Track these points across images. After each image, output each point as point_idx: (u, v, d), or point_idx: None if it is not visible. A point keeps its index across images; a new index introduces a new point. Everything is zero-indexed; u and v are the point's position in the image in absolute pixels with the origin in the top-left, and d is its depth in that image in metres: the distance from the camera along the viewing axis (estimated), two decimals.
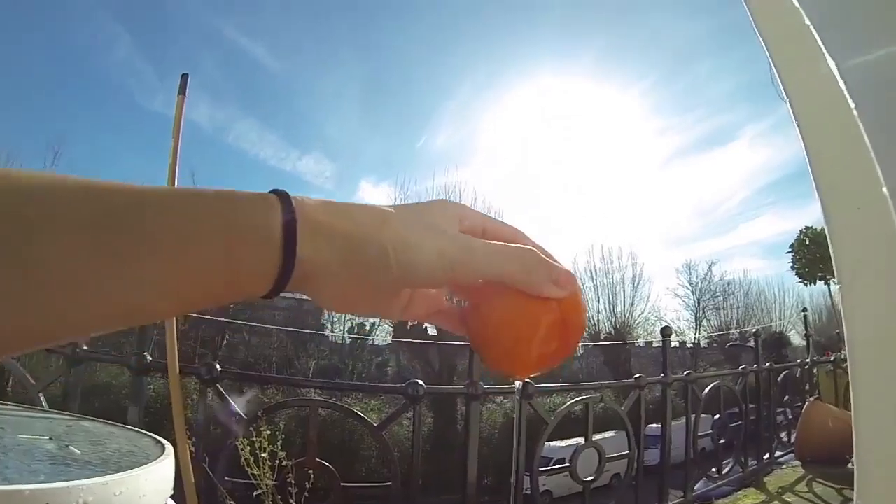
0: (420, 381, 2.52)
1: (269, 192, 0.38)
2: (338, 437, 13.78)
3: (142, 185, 0.35)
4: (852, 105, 0.54)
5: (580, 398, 3.22)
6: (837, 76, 0.55)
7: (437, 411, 19.42)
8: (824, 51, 0.57)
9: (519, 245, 0.44)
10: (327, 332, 24.14)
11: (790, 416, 5.35)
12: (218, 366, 2.28)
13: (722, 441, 4.25)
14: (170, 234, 0.34)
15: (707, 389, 4.10)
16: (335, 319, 24.51)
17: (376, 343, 24.36)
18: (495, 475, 16.61)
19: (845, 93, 0.55)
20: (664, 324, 3.90)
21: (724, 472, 4.20)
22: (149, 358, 2.22)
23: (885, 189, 0.48)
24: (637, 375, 3.54)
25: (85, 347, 2.27)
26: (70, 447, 1.20)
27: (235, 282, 0.36)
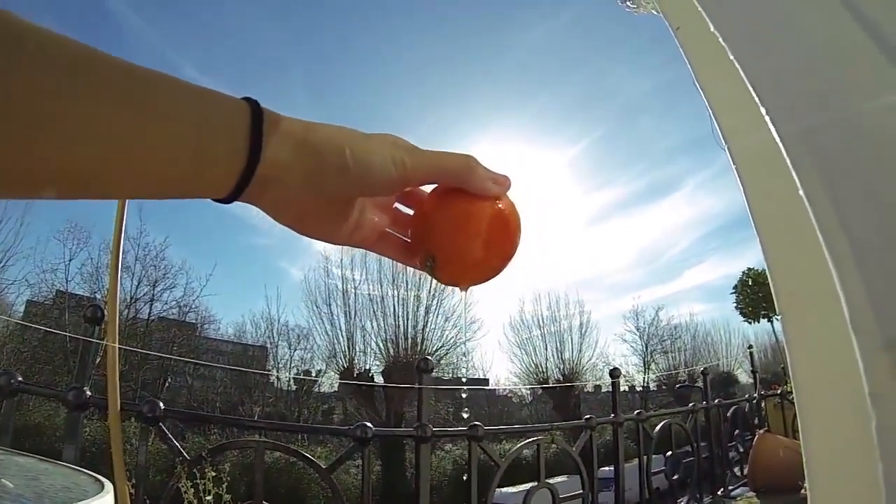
0: (368, 424, 2.45)
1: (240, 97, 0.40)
2: (285, 484, 13.37)
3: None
4: (786, 155, 0.55)
5: (531, 440, 3.18)
6: (773, 129, 0.57)
7: (386, 460, 19.05)
8: (761, 105, 0.58)
9: (458, 152, 0.48)
10: (272, 377, 23.59)
11: (741, 450, 5.43)
12: (161, 404, 2.16)
13: (676, 477, 4.25)
14: (143, 95, 0.35)
15: (658, 428, 4.13)
16: (280, 366, 24.04)
17: (322, 390, 23.92)
18: None
19: (780, 143, 0.57)
20: (613, 368, 3.93)
21: None
22: (88, 393, 2.08)
23: (817, 227, 0.50)
24: (588, 416, 3.53)
25: (20, 379, 2.12)
26: (2, 480, 1.10)
27: (200, 169, 0.37)
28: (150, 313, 22.03)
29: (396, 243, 0.53)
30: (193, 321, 23.40)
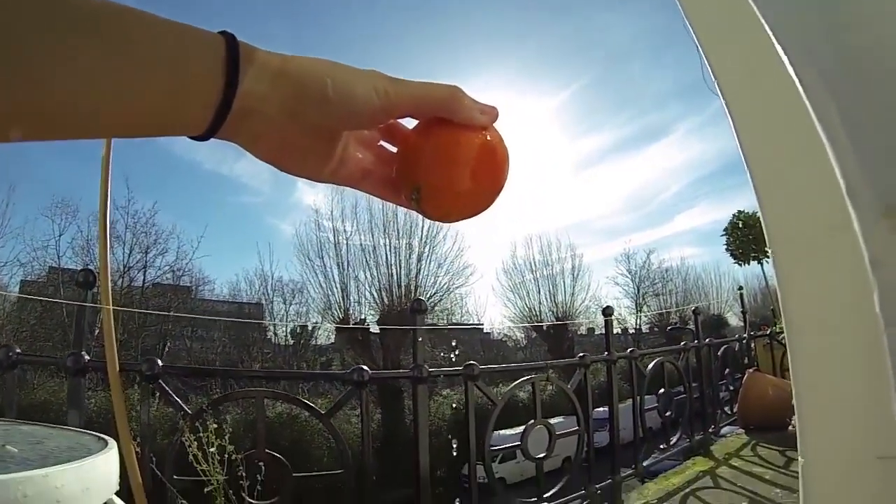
0: (365, 367, 2.48)
1: (217, 32, 0.39)
2: (288, 437, 13.61)
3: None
4: (782, 94, 0.55)
5: (527, 378, 3.21)
6: (770, 68, 0.56)
7: (386, 408, 19.37)
8: (755, 45, 0.58)
9: (442, 83, 0.47)
10: (269, 333, 23.75)
11: (731, 389, 5.55)
12: (160, 361, 2.18)
13: (669, 414, 4.33)
14: (115, 30, 0.34)
15: (650, 366, 4.19)
16: (277, 321, 24.18)
17: (319, 343, 24.13)
18: (448, 467, 16.71)
19: (777, 84, 0.56)
20: (605, 307, 3.93)
21: (672, 443, 4.30)
22: (86, 357, 2.09)
23: (815, 173, 0.50)
24: (581, 354, 3.57)
25: (18, 351, 2.13)
26: (7, 447, 1.12)
27: (175, 104, 0.37)
28: (144, 280, 22.03)
29: (381, 180, 0.52)
30: (188, 284, 23.44)
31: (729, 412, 5.48)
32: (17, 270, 19.72)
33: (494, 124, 0.49)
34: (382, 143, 0.52)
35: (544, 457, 3.13)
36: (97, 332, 2.22)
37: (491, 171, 0.49)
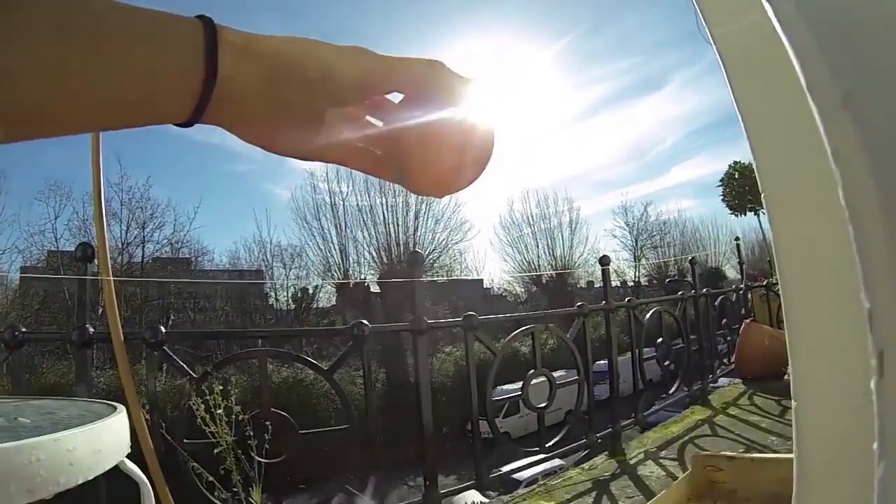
0: (365, 322, 2.49)
1: (194, 16, 0.39)
2: (294, 402, 13.86)
3: None
4: (775, 43, 0.55)
5: (526, 328, 3.23)
6: (763, 18, 0.56)
7: (388, 366, 19.60)
8: None
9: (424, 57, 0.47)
10: (271, 299, 23.88)
11: (729, 339, 5.61)
12: (163, 328, 2.21)
13: (667, 363, 4.37)
14: (90, 25, 0.34)
15: (648, 315, 4.16)
16: (278, 286, 24.28)
17: (320, 306, 24.29)
18: (452, 424, 17.00)
19: (770, 33, 0.56)
20: (602, 256, 3.89)
21: (670, 393, 4.37)
22: (91, 330, 2.12)
23: (806, 123, 0.50)
24: (580, 304, 3.57)
25: (24, 330, 2.15)
26: (19, 419, 1.15)
27: (155, 96, 0.37)
28: (143, 256, 22.09)
29: (368, 156, 0.51)
30: (187, 256, 23.48)
31: (726, 363, 5.54)
32: (15, 257, 19.82)
33: (479, 99, 0.48)
34: (369, 118, 0.51)
35: (545, 406, 3.18)
36: (100, 311, 2.24)
37: (475, 147, 0.49)
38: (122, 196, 20.92)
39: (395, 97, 0.49)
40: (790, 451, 1.60)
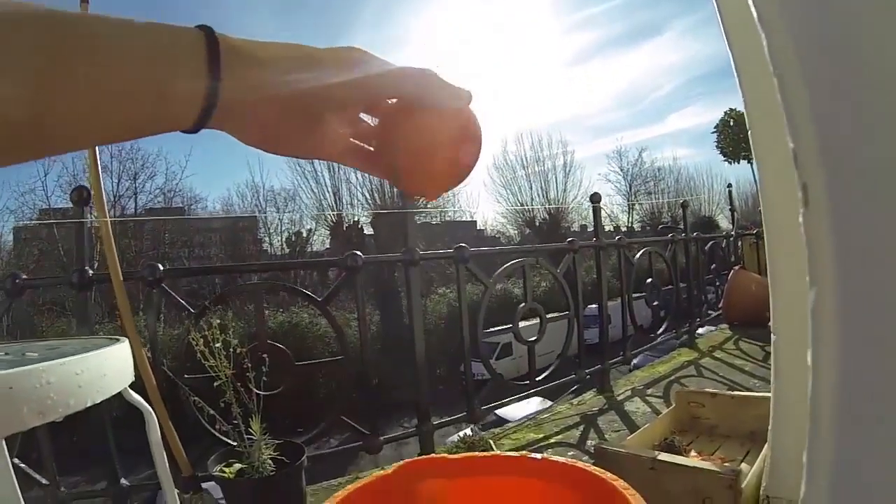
0: (358, 252, 2.51)
1: (195, 26, 0.40)
2: (292, 345, 13.91)
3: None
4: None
5: (517, 261, 3.24)
6: None
7: (383, 308, 19.80)
8: None
9: (416, 66, 0.49)
10: (265, 244, 23.89)
11: (717, 284, 5.69)
12: (161, 266, 2.25)
13: (656, 304, 4.43)
14: (98, 44, 0.35)
15: (638, 255, 4.17)
16: (272, 231, 24.26)
17: (315, 249, 24.35)
18: (446, 366, 17.33)
19: None
20: (593, 193, 3.87)
21: (659, 333, 4.45)
22: (90, 272, 2.15)
23: (796, 74, 0.52)
24: (570, 239, 3.57)
25: (24, 276, 2.18)
26: (26, 354, 1.20)
27: (161, 109, 0.38)
28: (136, 207, 21.91)
29: (361, 154, 0.54)
30: (180, 205, 23.33)
31: (714, 308, 5.63)
32: (7, 218, 19.59)
33: (468, 104, 0.52)
34: (363, 116, 0.53)
35: (535, 340, 3.24)
36: (96, 265, 2.26)
37: (464, 151, 0.52)
38: (112, 149, 20.64)
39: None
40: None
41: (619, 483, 0.79)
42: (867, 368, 0.48)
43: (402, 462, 0.96)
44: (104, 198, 2.01)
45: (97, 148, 2.03)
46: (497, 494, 0.93)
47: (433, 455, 1.02)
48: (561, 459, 0.89)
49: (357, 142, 0.54)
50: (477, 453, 0.97)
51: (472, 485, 0.95)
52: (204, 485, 2.10)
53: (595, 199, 3.80)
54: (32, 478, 2.06)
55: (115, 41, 0.36)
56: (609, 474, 0.82)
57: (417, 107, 0.49)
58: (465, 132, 0.52)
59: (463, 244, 2.93)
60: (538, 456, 0.91)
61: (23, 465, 1.99)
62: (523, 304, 3.21)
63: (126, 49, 0.36)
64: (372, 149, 0.54)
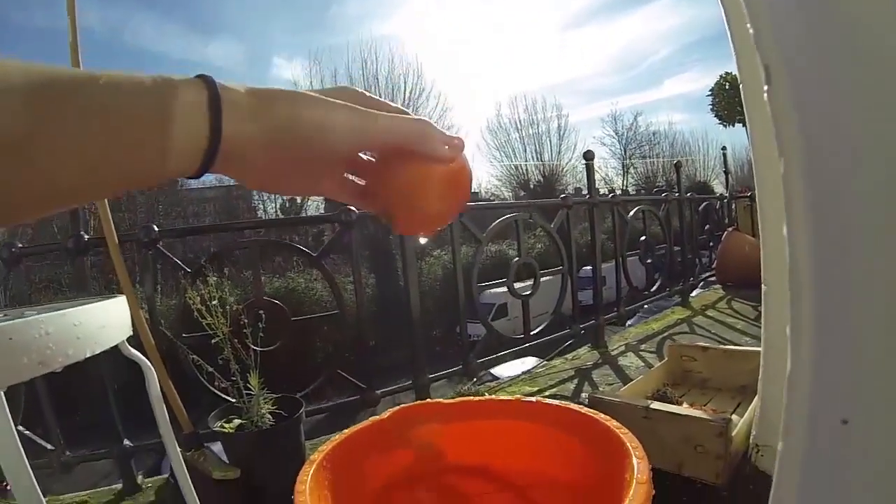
0: (352, 207, 2.48)
1: (195, 77, 0.41)
2: (288, 307, 14.04)
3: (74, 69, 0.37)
4: None
5: (510, 216, 3.23)
6: None
7: (378, 272, 19.84)
8: None
9: (414, 116, 0.50)
10: (259, 211, 23.79)
11: (711, 245, 5.70)
12: (156, 227, 2.25)
13: (650, 262, 4.42)
14: (104, 105, 0.35)
15: (632, 213, 4.16)
16: (266, 199, 24.14)
17: (310, 215, 24.25)
18: (443, 327, 17.47)
19: None
20: (586, 150, 3.82)
21: (652, 291, 4.47)
22: (85, 237, 2.14)
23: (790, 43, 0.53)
24: (563, 195, 3.56)
25: (20, 245, 2.17)
26: (25, 312, 1.21)
27: (164, 159, 0.38)
28: None
29: (354, 190, 0.55)
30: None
31: (708, 269, 5.66)
32: None
33: (460, 153, 0.53)
34: (361, 156, 0.54)
35: (529, 294, 3.24)
36: (92, 232, 2.24)
37: (454, 198, 0.54)
38: None
39: None
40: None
41: (613, 423, 0.81)
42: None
43: (397, 407, 0.97)
44: None
45: None
46: (492, 438, 0.95)
47: (428, 401, 1.04)
48: (555, 402, 0.91)
49: (350, 177, 0.55)
50: (471, 398, 0.99)
51: (467, 429, 0.97)
52: (205, 444, 2.13)
53: (588, 156, 3.75)
54: (38, 444, 2.09)
55: (123, 99, 0.36)
56: (602, 415, 0.84)
57: (412, 154, 0.50)
58: (458, 181, 0.53)
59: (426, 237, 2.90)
60: (532, 399, 0.93)
61: (27, 433, 2.01)
62: (517, 258, 3.22)
63: (133, 107, 0.37)
64: (363, 183, 0.56)
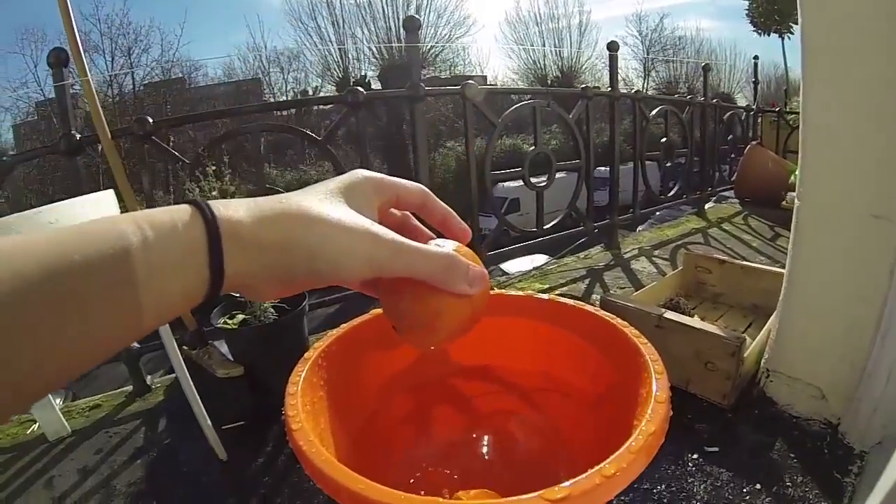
0: (360, 88, 2.40)
1: (189, 202, 0.37)
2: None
3: (50, 243, 0.30)
4: None
5: (527, 101, 3.11)
6: None
7: (391, 164, 19.72)
8: None
9: (440, 250, 0.47)
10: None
11: (732, 156, 5.49)
12: (150, 118, 2.13)
13: (669, 165, 4.19)
14: (76, 302, 0.30)
15: (654, 112, 3.95)
16: (276, 92, 23.74)
17: (321, 108, 23.96)
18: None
19: None
20: (610, 41, 3.60)
21: (669, 195, 4.37)
22: (77, 136, 2.04)
23: None
24: (583, 86, 3.39)
25: (11, 152, 2.09)
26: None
27: (163, 312, 0.35)
28: (134, 84, 21.18)
29: (369, 282, 0.54)
30: (180, 75, 22.59)
31: (727, 181, 5.48)
32: (4, 117, 19.03)
33: (484, 284, 0.51)
34: None
35: (545, 186, 3.15)
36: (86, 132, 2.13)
37: (472, 321, 0.53)
38: (101, 27, 19.82)
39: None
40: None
41: (631, 330, 0.73)
42: None
43: None
44: (83, 55, 1.86)
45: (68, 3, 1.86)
46: (499, 336, 0.88)
47: None
48: (570, 301, 0.84)
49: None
50: None
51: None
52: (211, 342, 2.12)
53: (612, 47, 3.53)
54: None
55: (86, 293, 0.31)
56: (619, 320, 0.76)
57: (432, 287, 0.48)
58: (475, 313, 0.52)
59: (470, 81, 2.78)
60: (545, 297, 0.86)
61: None
62: (533, 147, 3.12)
63: (104, 304, 0.31)
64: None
